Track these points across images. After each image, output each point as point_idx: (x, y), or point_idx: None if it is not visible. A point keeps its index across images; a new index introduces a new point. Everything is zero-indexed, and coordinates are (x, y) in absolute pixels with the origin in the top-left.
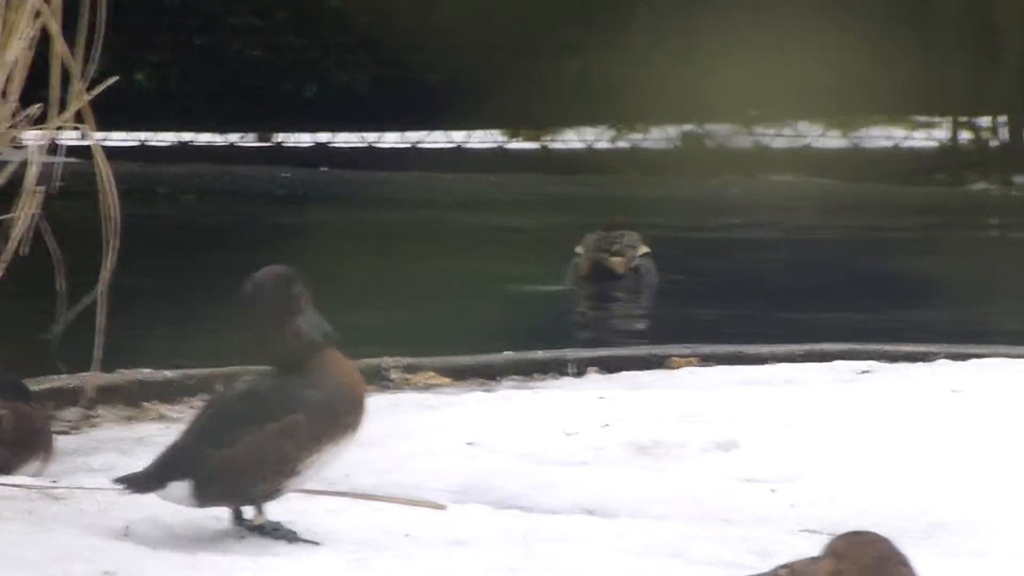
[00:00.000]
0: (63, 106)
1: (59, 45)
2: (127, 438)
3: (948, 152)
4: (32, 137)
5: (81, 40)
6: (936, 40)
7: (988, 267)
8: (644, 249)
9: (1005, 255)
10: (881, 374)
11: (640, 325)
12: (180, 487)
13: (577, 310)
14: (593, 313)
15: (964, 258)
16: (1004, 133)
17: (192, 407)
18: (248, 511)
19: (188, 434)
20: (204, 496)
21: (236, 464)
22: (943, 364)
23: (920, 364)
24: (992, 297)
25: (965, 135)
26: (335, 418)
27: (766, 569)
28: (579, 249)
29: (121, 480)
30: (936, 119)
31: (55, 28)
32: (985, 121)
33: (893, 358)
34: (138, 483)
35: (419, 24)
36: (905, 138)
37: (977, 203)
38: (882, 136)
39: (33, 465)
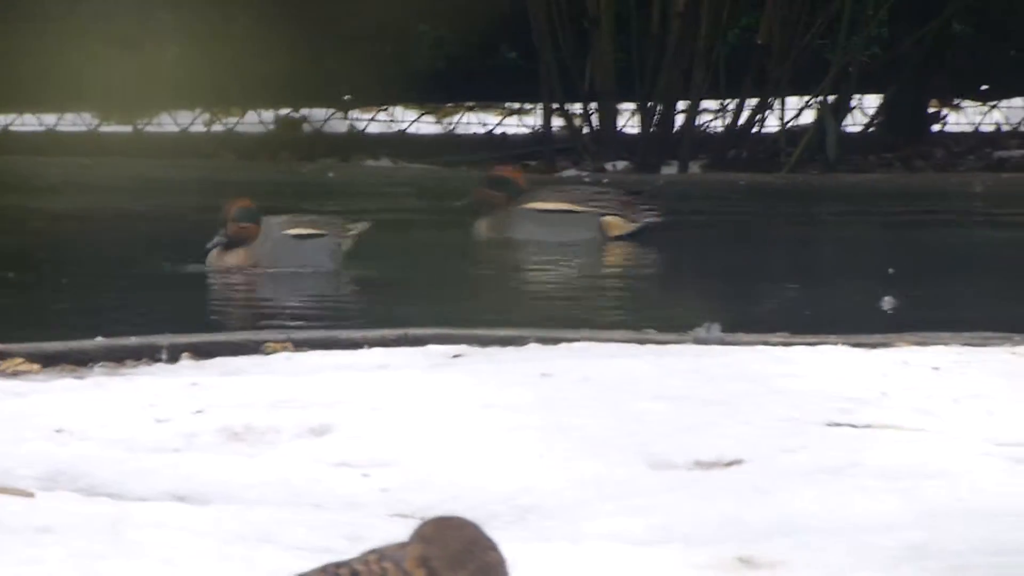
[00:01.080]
0: None
1: None
2: None
3: (541, 139)
4: None
5: None
6: (526, 27)
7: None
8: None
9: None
10: (473, 358)
11: (249, 310)
12: None
13: (187, 295)
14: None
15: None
16: (595, 120)
17: None
18: None
19: None
20: None
21: None
22: (534, 348)
23: (511, 348)
24: (582, 283)
25: (557, 122)
26: None
27: (356, 554)
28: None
29: None
30: (528, 106)
31: None
32: (577, 108)
33: (485, 342)
34: None
35: (6, 6)
36: (498, 125)
37: None
38: (476, 123)
39: None
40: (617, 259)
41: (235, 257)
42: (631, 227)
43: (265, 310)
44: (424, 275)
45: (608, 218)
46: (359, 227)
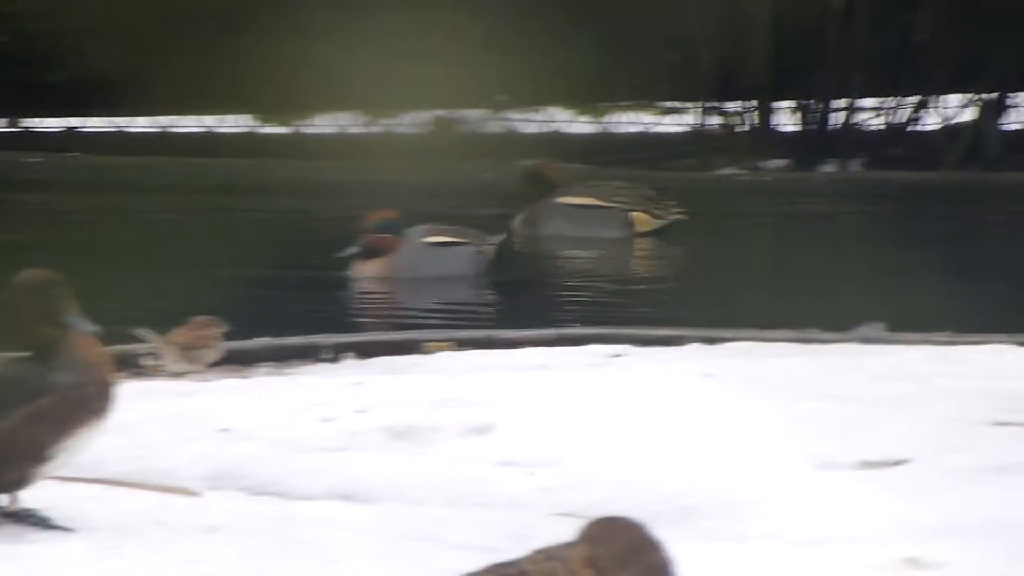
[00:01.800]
0: None
1: None
2: None
3: (697, 137)
4: None
5: None
6: (683, 27)
7: (737, 251)
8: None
9: (752, 239)
10: (633, 358)
11: (407, 310)
12: None
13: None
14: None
15: (712, 242)
16: (752, 119)
17: None
18: (1, 498)
19: None
20: None
21: None
22: (694, 348)
23: (672, 348)
24: (741, 281)
25: (714, 121)
26: (85, 403)
27: (521, 553)
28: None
29: None
30: (685, 105)
31: None
32: (733, 107)
33: (645, 342)
34: None
35: (168, 9)
36: (654, 124)
37: (725, 187)
38: (631, 122)
39: None
40: (680, 258)
41: (375, 266)
42: (658, 223)
43: (413, 314)
44: (569, 276)
45: (636, 214)
46: (497, 237)
